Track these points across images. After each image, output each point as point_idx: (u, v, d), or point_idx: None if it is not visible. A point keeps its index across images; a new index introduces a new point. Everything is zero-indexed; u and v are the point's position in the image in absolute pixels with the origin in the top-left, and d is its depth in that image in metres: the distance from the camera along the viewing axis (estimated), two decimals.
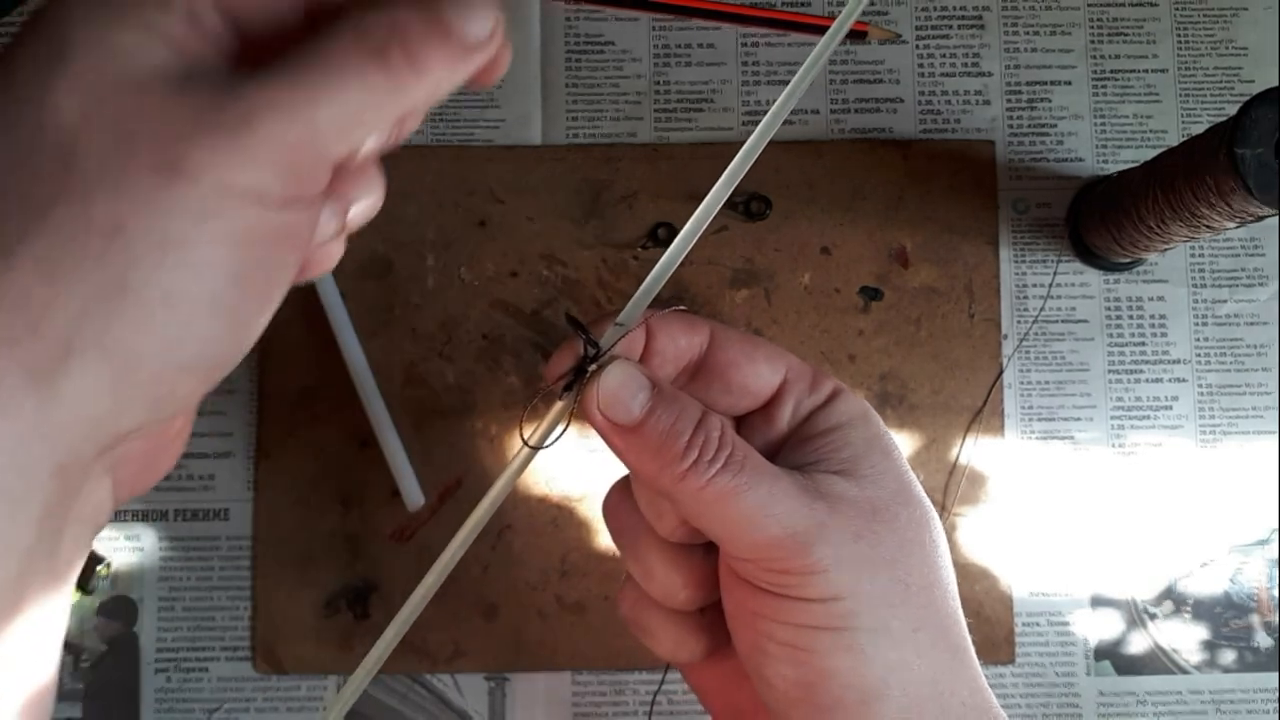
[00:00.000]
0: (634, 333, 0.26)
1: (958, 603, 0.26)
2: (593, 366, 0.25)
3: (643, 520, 0.28)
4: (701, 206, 0.25)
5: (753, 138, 0.25)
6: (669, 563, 0.27)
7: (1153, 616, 0.46)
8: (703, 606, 0.28)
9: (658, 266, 0.26)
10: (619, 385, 0.25)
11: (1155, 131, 0.49)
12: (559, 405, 0.26)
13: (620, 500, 0.29)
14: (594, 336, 0.25)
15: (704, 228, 0.25)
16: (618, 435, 0.25)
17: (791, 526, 0.24)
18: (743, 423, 0.28)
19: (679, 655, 0.29)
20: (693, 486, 0.24)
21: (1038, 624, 0.46)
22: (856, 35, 0.49)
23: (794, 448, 0.27)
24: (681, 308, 0.27)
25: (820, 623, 0.24)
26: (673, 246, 0.25)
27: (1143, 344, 0.48)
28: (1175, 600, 0.46)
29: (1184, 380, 0.47)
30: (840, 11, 0.25)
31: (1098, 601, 0.46)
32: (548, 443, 0.25)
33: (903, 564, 0.25)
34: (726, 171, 0.25)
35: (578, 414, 0.26)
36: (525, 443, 0.25)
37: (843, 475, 0.26)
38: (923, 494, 0.27)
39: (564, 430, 0.26)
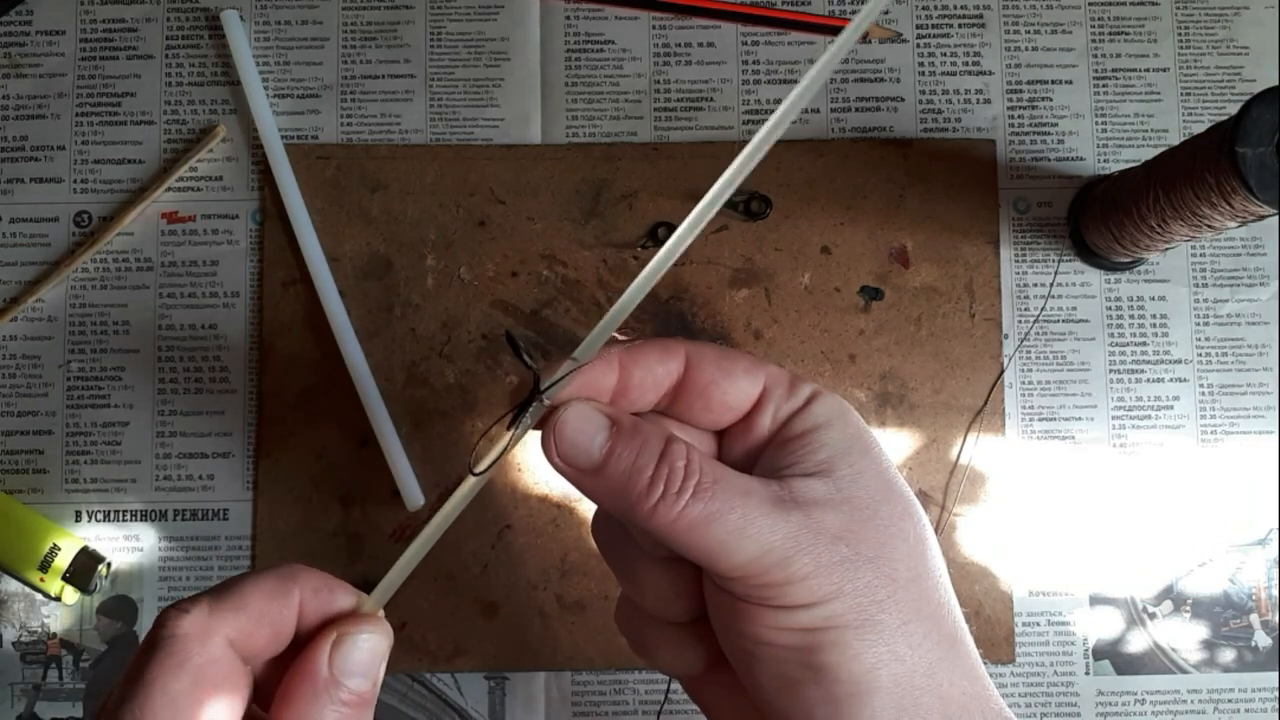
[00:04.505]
0: (604, 370, 0.26)
1: (950, 594, 0.26)
2: (546, 399, 0.25)
3: (630, 536, 0.28)
4: (679, 231, 0.25)
5: (740, 159, 0.25)
6: (659, 576, 0.27)
7: (1152, 616, 0.46)
8: (698, 617, 0.28)
9: (624, 297, 0.25)
10: (575, 430, 0.25)
11: (1156, 131, 0.48)
12: (506, 436, 0.26)
13: (607, 517, 0.29)
14: (536, 364, 0.25)
15: (675, 257, 0.25)
16: (582, 479, 0.25)
17: (769, 543, 0.24)
18: (724, 433, 0.28)
19: (679, 668, 0.29)
20: (665, 519, 0.24)
21: (1037, 623, 0.46)
22: None
23: (773, 452, 0.27)
24: (641, 339, 0.27)
25: (805, 625, 0.24)
26: (645, 272, 0.25)
27: (1144, 344, 0.48)
28: (1174, 600, 0.46)
29: (1185, 380, 0.47)
30: (842, 12, 0.25)
31: (1097, 601, 0.46)
32: (489, 469, 0.26)
33: (886, 559, 0.25)
34: (718, 183, 0.25)
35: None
36: (470, 470, 0.26)
37: (820, 476, 0.26)
38: (905, 488, 0.27)
39: (502, 456, 0.26)
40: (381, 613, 0.26)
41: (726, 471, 0.25)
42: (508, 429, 0.26)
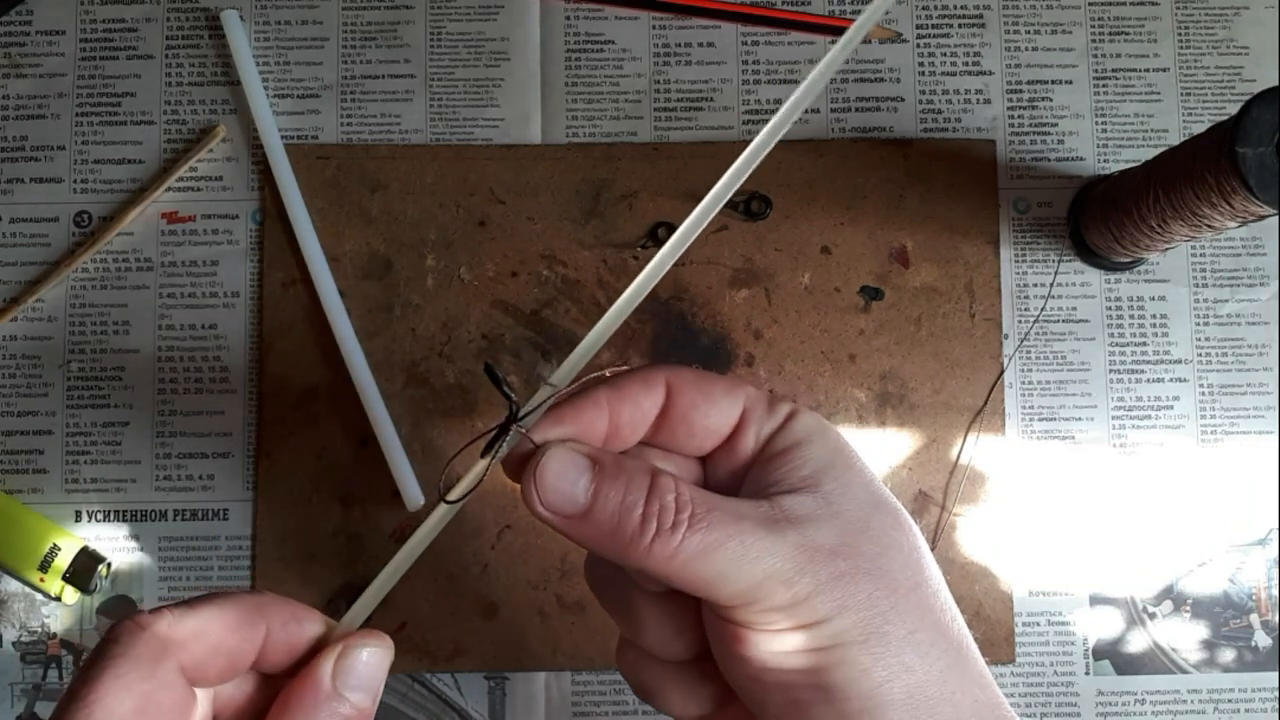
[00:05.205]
0: (594, 414, 0.26)
1: (950, 600, 0.26)
2: (523, 426, 0.25)
3: (624, 574, 0.27)
4: (667, 246, 0.25)
5: (737, 163, 0.25)
6: (659, 613, 0.27)
7: (1152, 616, 0.46)
8: (702, 654, 0.27)
9: (601, 324, 0.25)
10: (556, 476, 0.24)
11: (1156, 131, 0.48)
12: (480, 464, 0.25)
13: (600, 559, 0.28)
14: (513, 393, 0.25)
15: (666, 270, 0.25)
16: (569, 525, 0.25)
17: (770, 566, 0.24)
18: (708, 457, 0.28)
19: (689, 710, 0.28)
20: (663, 555, 0.24)
21: (1037, 623, 0.46)
22: None
23: (758, 471, 0.27)
24: (624, 366, 0.27)
25: (811, 646, 0.24)
26: (625, 296, 0.25)
27: (1144, 344, 0.48)
28: (1175, 599, 0.46)
29: (1185, 380, 0.47)
30: (844, 13, 0.25)
31: (1097, 601, 0.46)
32: (463, 499, 0.25)
33: (884, 570, 0.25)
34: (710, 196, 0.25)
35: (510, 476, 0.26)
36: (442, 498, 0.25)
37: (807, 491, 0.25)
38: (891, 497, 0.27)
39: (477, 487, 0.25)
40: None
41: (717, 498, 0.24)
42: (482, 455, 0.25)
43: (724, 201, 0.25)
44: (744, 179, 0.25)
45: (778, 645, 0.24)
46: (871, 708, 0.24)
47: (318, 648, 0.25)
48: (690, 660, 0.28)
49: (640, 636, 0.27)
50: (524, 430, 0.25)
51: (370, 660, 0.25)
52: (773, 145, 0.25)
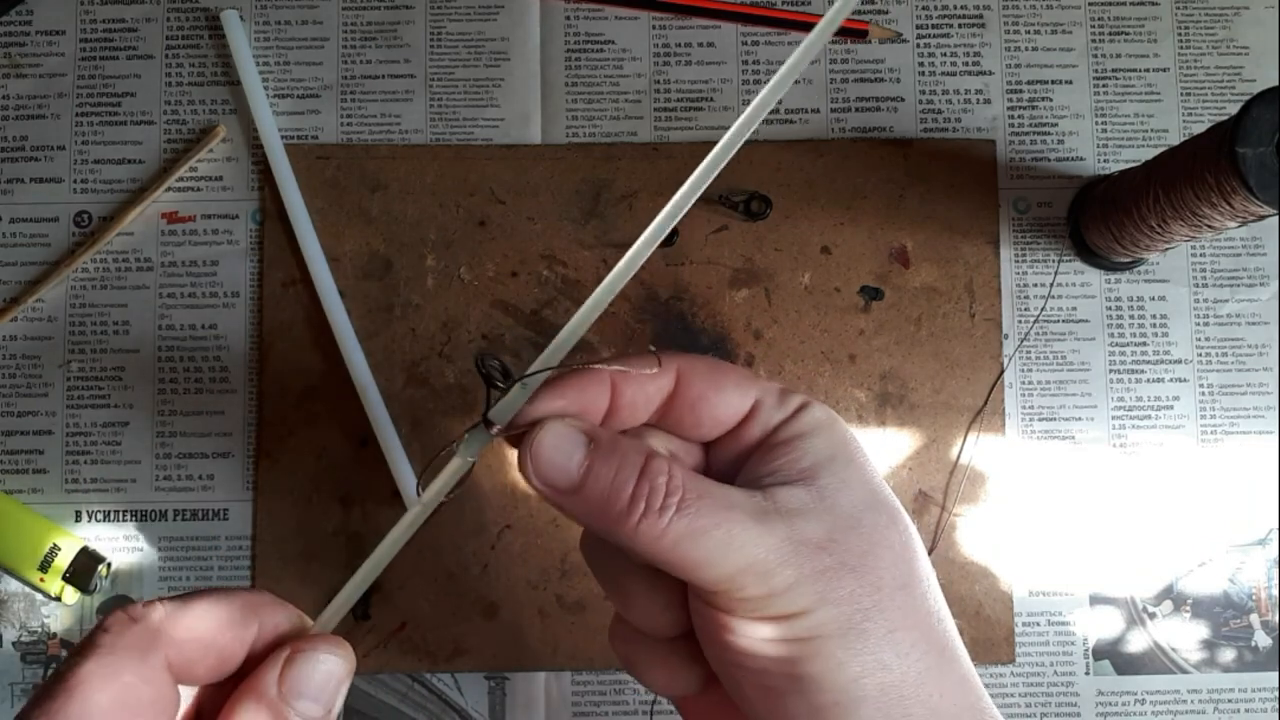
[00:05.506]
0: (597, 391, 0.26)
1: (941, 603, 0.26)
2: (492, 430, 0.25)
3: (617, 549, 0.27)
4: (647, 232, 0.25)
5: (715, 152, 0.25)
6: (647, 588, 0.27)
7: (1152, 616, 0.46)
8: (688, 633, 0.28)
9: (574, 319, 0.25)
10: (551, 449, 0.25)
11: (1156, 131, 0.48)
12: (453, 464, 0.25)
13: (594, 533, 0.29)
14: (502, 386, 0.25)
15: (641, 262, 0.25)
16: (561, 499, 0.25)
17: (753, 555, 0.24)
18: (713, 443, 0.28)
19: (674, 687, 0.29)
20: (649, 536, 0.24)
21: (1037, 623, 0.46)
22: (857, 34, 0.48)
23: (758, 459, 0.27)
24: (650, 349, 0.27)
25: (789, 636, 0.24)
26: (597, 291, 0.25)
27: (1144, 344, 0.48)
28: (1175, 599, 0.46)
29: (1185, 380, 0.47)
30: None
31: (1097, 601, 0.46)
32: (437, 498, 0.25)
33: (871, 568, 0.25)
34: (688, 182, 0.25)
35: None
36: (419, 497, 0.26)
37: (803, 484, 0.25)
38: (891, 497, 0.27)
39: (458, 485, 0.25)
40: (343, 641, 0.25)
41: (709, 485, 0.25)
42: (456, 455, 0.25)
43: (703, 188, 0.25)
44: (719, 169, 0.25)
45: (757, 633, 0.24)
46: (845, 701, 0.24)
47: None
48: (677, 638, 0.28)
49: (628, 609, 0.28)
50: (494, 433, 0.25)
51: (324, 668, 0.24)
52: (749, 135, 0.25)
